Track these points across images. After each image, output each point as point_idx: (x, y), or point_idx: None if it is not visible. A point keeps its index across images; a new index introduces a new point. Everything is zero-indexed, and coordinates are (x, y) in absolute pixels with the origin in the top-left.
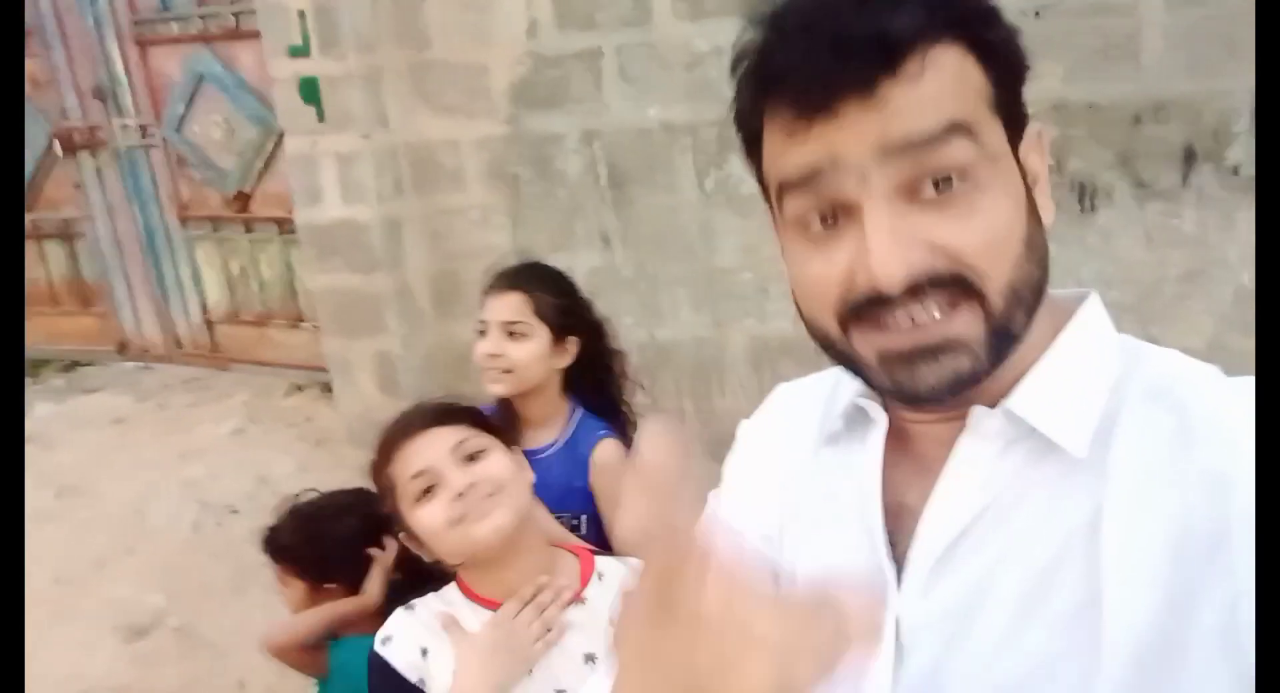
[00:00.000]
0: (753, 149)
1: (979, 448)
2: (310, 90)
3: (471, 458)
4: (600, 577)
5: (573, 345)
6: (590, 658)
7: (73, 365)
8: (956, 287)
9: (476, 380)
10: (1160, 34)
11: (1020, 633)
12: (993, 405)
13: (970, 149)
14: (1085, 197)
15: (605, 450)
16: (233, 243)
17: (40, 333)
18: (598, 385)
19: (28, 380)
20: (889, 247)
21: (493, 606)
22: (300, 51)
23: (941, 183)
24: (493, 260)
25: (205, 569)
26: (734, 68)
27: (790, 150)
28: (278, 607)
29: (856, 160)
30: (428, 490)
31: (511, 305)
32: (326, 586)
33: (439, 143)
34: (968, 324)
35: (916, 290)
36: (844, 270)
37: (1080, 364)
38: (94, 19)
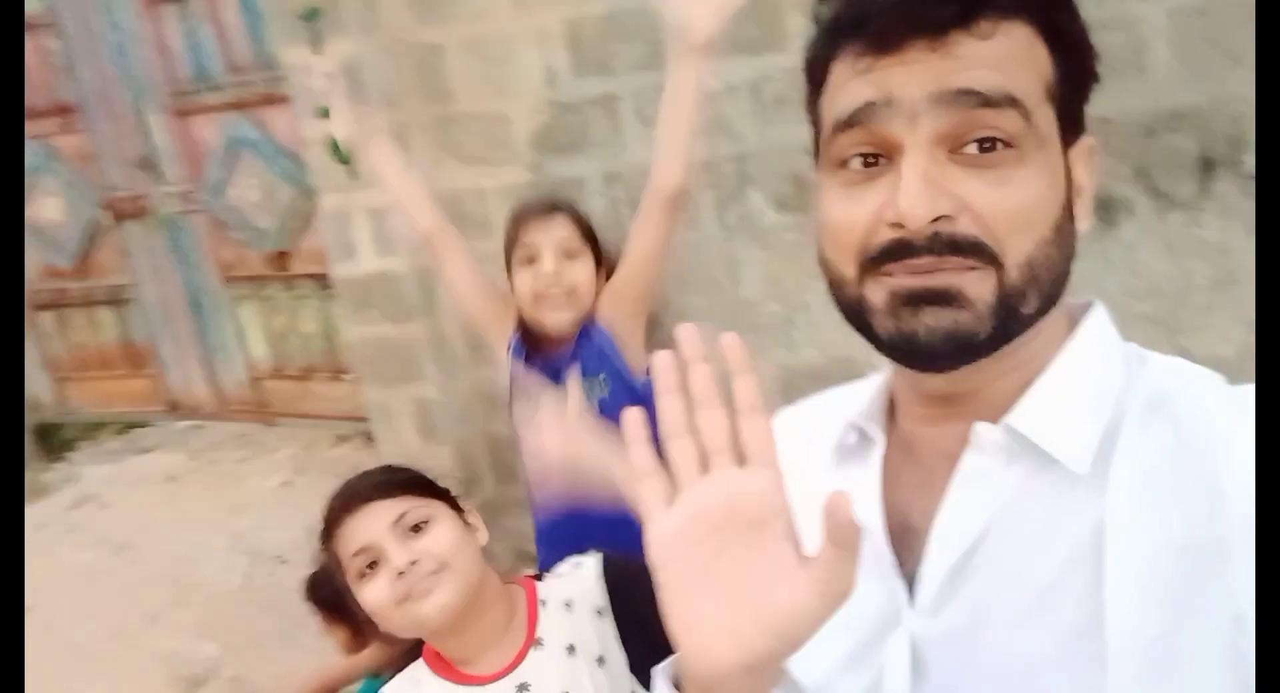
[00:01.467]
0: (814, 99)
1: (982, 463)
2: (338, 149)
3: (416, 529)
4: (544, 604)
5: (603, 273)
6: None
7: (127, 427)
8: (974, 254)
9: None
10: (1166, 45)
11: (1028, 648)
12: (996, 419)
13: (1018, 123)
14: (1105, 211)
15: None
16: (274, 300)
17: (94, 396)
18: None
19: (83, 443)
20: (920, 185)
21: (463, 680)
22: (329, 112)
23: (984, 145)
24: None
25: (257, 619)
26: (814, 12)
27: (850, 86)
28: (329, 653)
29: (910, 100)
30: (371, 566)
31: (564, 225)
32: (369, 630)
33: (465, 192)
34: (978, 284)
35: (935, 246)
36: (872, 213)
37: (1085, 378)
38: (134, 92)
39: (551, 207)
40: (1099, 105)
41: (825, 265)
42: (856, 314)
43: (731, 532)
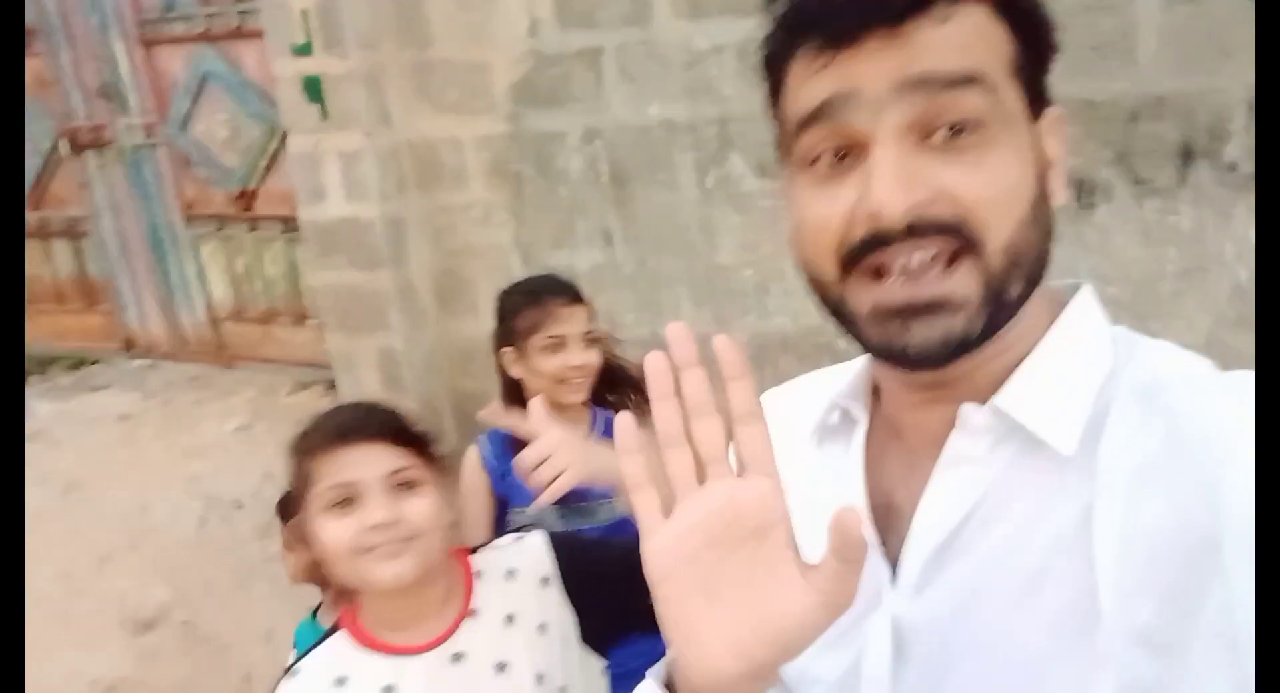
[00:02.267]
0: (775, 95)
1: (968, 445)
2: (313, 89)
3: (401, 489)
4: (480, 575)
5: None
6: (501, 667)
7: (79, 363)
8: (956, 236)
9: (478, 377)
10: (1155, 32)
11: (1015, 632)
12: (983, 402)
13: (985, 102)
14: (1083, 193)
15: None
16: (237, 241)
17: (46, 331)
18: (613, 391)
19: (34, 378)
20: (893, 180)
21: (393, 650)
22: (303, 50)
23: (954, 130)
24: (496, 259)
25: (210, 564)
26: (766, 12)
27: (811, 83)
28: (282, 601)
29: (873, 93)
30: (343, 504)
31: (585, 317)
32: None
33: (441, 141)
34: (964, 282)
35: (915, 232)
36: (846, 209)
37: (1072, 359)
38: (100, 19)
39: (576, 296)
40: (1084, 87)
41: (804, 266)
42: (839, 316)
43: (731, 542)
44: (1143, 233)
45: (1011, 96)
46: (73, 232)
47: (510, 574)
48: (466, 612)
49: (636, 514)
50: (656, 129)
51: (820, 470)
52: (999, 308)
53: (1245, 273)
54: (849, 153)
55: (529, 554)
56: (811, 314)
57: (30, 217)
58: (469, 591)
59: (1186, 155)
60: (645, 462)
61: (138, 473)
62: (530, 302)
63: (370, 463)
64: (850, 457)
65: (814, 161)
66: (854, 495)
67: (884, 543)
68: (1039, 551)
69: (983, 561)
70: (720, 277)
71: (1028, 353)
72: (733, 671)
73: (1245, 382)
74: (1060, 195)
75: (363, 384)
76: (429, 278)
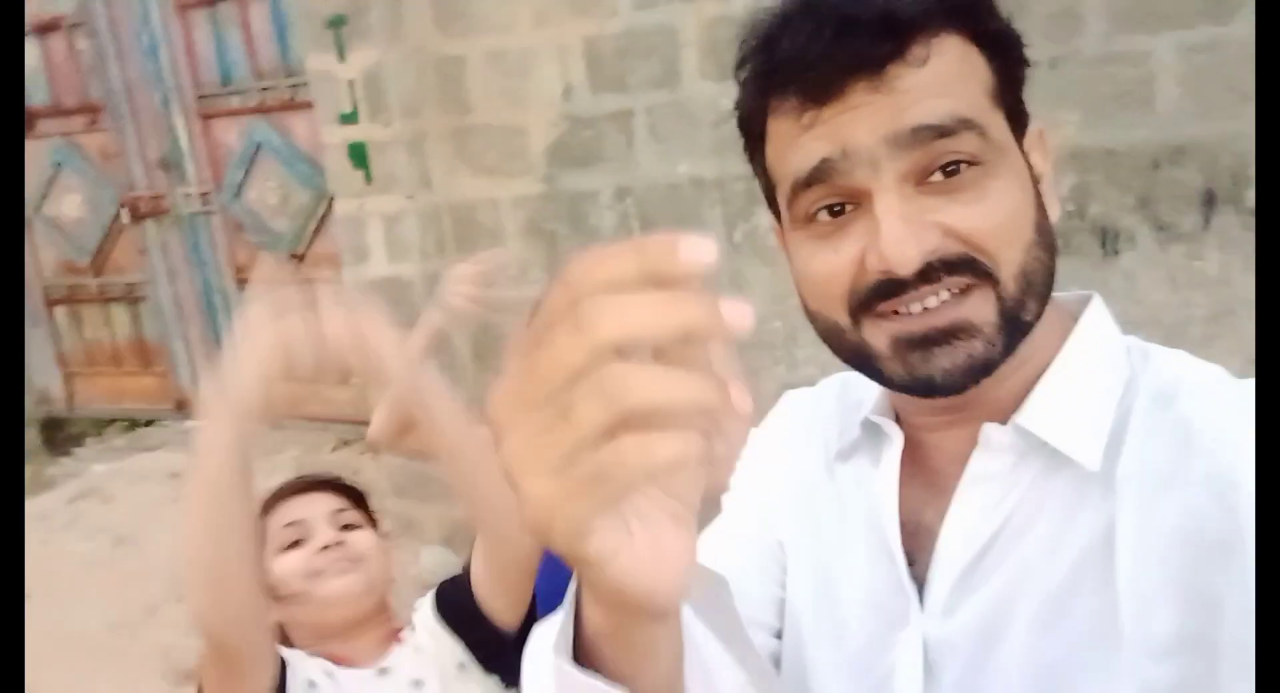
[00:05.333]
0: (756, 150)
1: (992, 464)
2: (359, 154)
3: (345, 528)
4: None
5: None
6: (418, 683)
7: (133, 424)
8: (968, 270)
9: None
10: (1173, 80)
11: (1044, 649)
12: (1003, 420)
13: (978, 142)
14: (1107, 241)
15: None
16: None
17: (103, 392)
18: None
19: (89, 439)
20: (901, 229)
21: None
22: (350, 119)
23: (949, 168)
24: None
25: None
26: (737, 69)
27: (799, 144)
28: None
29: (868, 149)
30: (295, 544)
31: None
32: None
33: (479, 202)
34: (979, 308)
35: (929, 274)
36: (853, 259)
37: (1089, 373)
38: (162, 94)
39: None
40: (1106, 137)
41: (815, 318)
42: (860, 358)
43: None
44: (1169, 279)
45: (998, 125)
46: (131, 296)
47: (418, 685)
48: (396, 639)
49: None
50: (686, 186)
51: (848, 484)
52: (1016, 329)
53: None
54: (846, 206)
55: (433, 650)
56: (837, 363)
57: (91, 282)
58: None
59: (1209, 201)
60: None
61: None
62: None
63: (314, 505)
64: (883, 474)
65: (812, 218)
66: (886, 515)
67: (912, 563)
68: (1065, 566)
69: (1010, 579)
70: (752, 328)
71: (1044, 368)
72: (689, 548)
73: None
74: (1054, 209)
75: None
76: (467, 335)
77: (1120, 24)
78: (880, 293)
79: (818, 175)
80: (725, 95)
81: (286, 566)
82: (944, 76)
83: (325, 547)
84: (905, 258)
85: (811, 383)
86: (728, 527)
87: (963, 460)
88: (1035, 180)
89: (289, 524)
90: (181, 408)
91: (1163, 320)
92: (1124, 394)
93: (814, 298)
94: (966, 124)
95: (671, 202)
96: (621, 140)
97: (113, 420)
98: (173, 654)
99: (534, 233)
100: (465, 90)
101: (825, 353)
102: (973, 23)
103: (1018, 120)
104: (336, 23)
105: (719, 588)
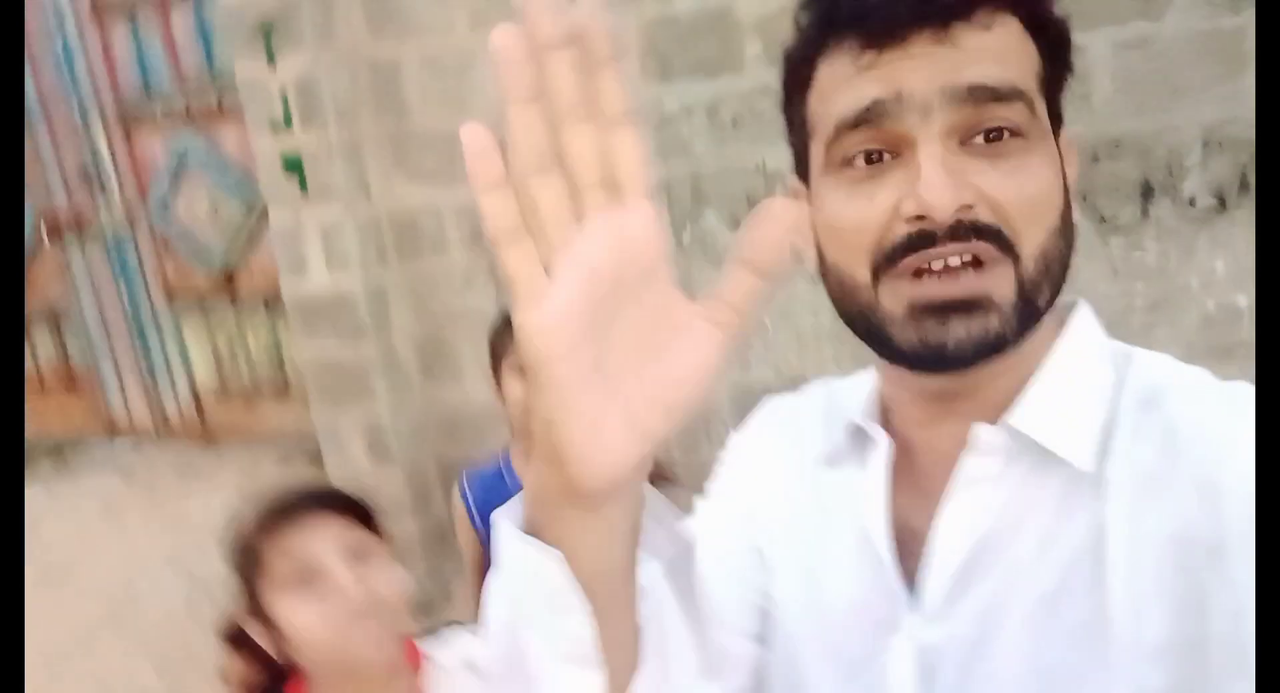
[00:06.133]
0: (797, 95)
1: (982, 465)
2: (293, 163)
3: (359, 560)
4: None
5: None
6: None
7: (60, 450)
8: (994, 241)
9: (465, 444)
10: (1108, 76)
11: (1037, 653)
12: (992, 421)
13: (1026, 114)
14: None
15: None
16: (219, 319)
17: (28, 418)
18: None
19: None
20: (943, 176)
21: None
22: (282, 126)
23: (993, 135)
24: (478, 323)
25: (196, 645)
26: (799, 12)
27: (853, 83)
28: None
29: (922, 96)
30: (302, 581)
31: None
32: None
33: (421, 210)
34: (999, 283)
35: (956, 235)
36: (886, 209)
37: (1078, 375)
38: (79, 102)
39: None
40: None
41: (831, 271)
42: (866, 322)
43: (623, 294)
44: (1110, 270)
45: (1042, 108)
46: (53, 318)
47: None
48: None
49: (509, 275)
50: None
51: (833, 489)
52: (1029, 313)
53: (1212, 303)
54: (885, 154)
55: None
56: (793, 366)
57: None
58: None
59: (1147, 193)
60: (506, 186)
61: (121, 554)
62: (507, 324)
63: (323, 535)
64: (870, 479)
65: (849, 162)
66: (875, 520)
67: (903, 566)
68: (1057, 568)
69: (1002, 581)
70: None
71: (1034, 369)
72: (633, 456)
73: (1242, 390)
74: (1074, 213)
75: (349, 456)
76: (413, 346)
77: None
78: (909, 246)
79: (867, 115)
80: (669, 96)
81: (304, 618)
82: (1004, 47)
83: (350, 601)
84: (942, 202)
85: (766, 386)
86: (701, 530)
87: (951, 462)
88: (1064, 176)
89: (294, 558)
90: (112, 431)
91: (1104, 311)
92: (1112, 397)
93: (836, 249)
94: (1019, 94)
95: None
96: None
97: (36, 447)
98: (108, 684)
99: (478, 241)
100: (402, 95)
101: (776, 354)
102: (1034, 12)
103: (1055, 118)
104: (265, 28)
105: (685, 548)
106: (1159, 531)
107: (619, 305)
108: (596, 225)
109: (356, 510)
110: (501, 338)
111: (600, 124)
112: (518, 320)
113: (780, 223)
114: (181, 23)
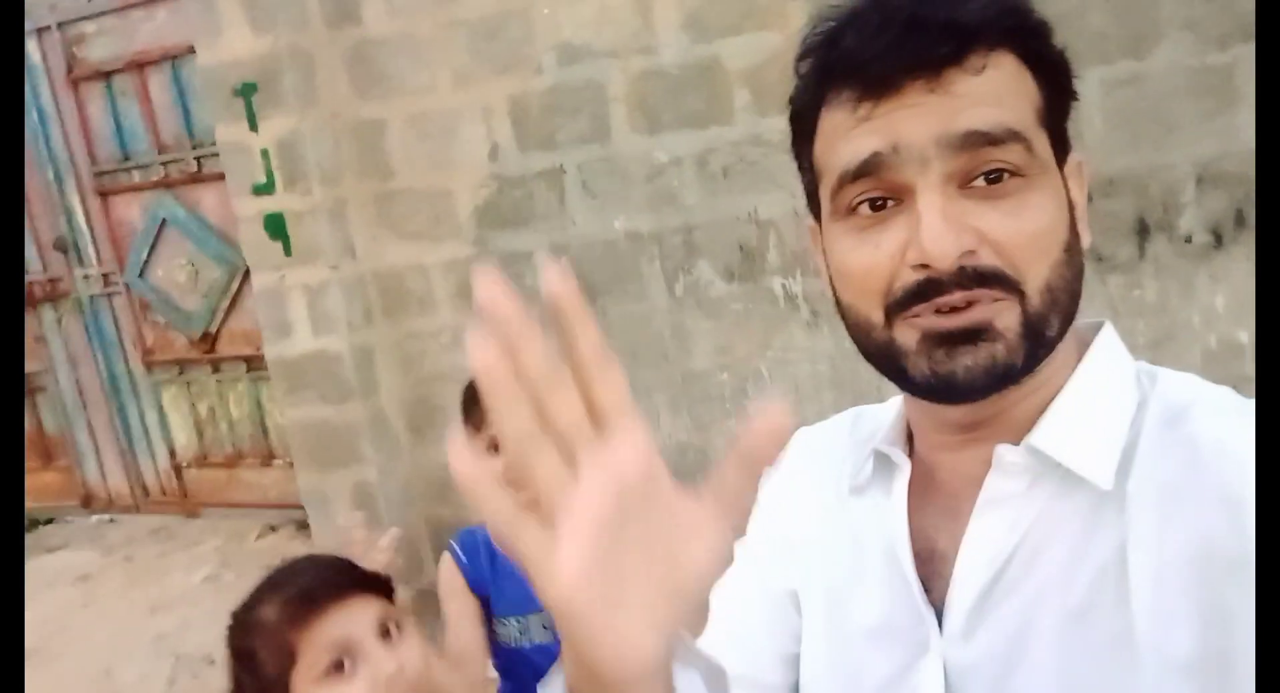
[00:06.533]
0: (804, 144)
1: (1006, 486)
2: (276, 226)
3: (387, 635)
4: None
5: None
6: None
7: (33, 524)
8: (1000, 286)
9: (455, 505)
10: (1099, 114)
11: (1065, 671)
12: (1016, 442)
13: (1024, 155)
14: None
15: None
16: (200, 385)
17: None
18: None
19: None
20: (942, 224)
21: None
22: (265, 189)
23: (992, 176)
24: (466, 381)
25: None
26: (798, 61)
27: (851, 136)
28: None
29: (919, 146)
30: (337, 667)
31: None
32: None
33: (407, 268)
34: (1003, 314)
35: (962, 281)
36: (893, 255)
37: (1101, 395)
38: (54, 171)
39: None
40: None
41: (848, 314)
42: (886, 357)
43: (627, 521)
44: (1110, 308)
45: (1043, 146)
46: (28, 388)
47: None
48: None
49: (522, 552)
50: (622, 242)
51: (862, 517)
52: (1038, 343)
53: (1214, 339)
54: (889, 201)
55: None
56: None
57: None
58: None
59: (1143, 231)
60: (501, 487)
61: (100, 634)
62: (473, 396)
63: (357, 619)
64: (892, 503)
65: (853, 210)
66: (898, 542)
67: (928, 589)
68: (1081, 587)
69: (1028, 601)
70: (696, 383)
71: (1057, 391)
72: (654, 647)
73: None
74: (1086, 237)
75: (337, 522)
76: (401, 407)
77: None
78: (917, 295)
79: (866, 168)
80: (658, 148)
81: None
82: (997, 89)
83: (386, 680)
84: (943, 251)
85: None
86: (738, 581)
87: (976, 484)
88: (1071, 206)
89: (331, 646)
90: (88, 503)
91: None
92: (1135, 416)
93: (849, 292)
94: (1014, 135)
95: (609, 258)
96: (553, 198)
97: None
98: None
99: (466, 298)
100: (386, 155)
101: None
102: (1029, 45)
103: (1060, 146)
104: (246, 91)
105: (718, 677)
106: (1183, 546)
107: (626, 528)
108: (591, 472)
109: (375, 584)
110: (469, 412)
111: (580, 373)
112: (532, 578)
113: (779, 426)
114: (159, 87)
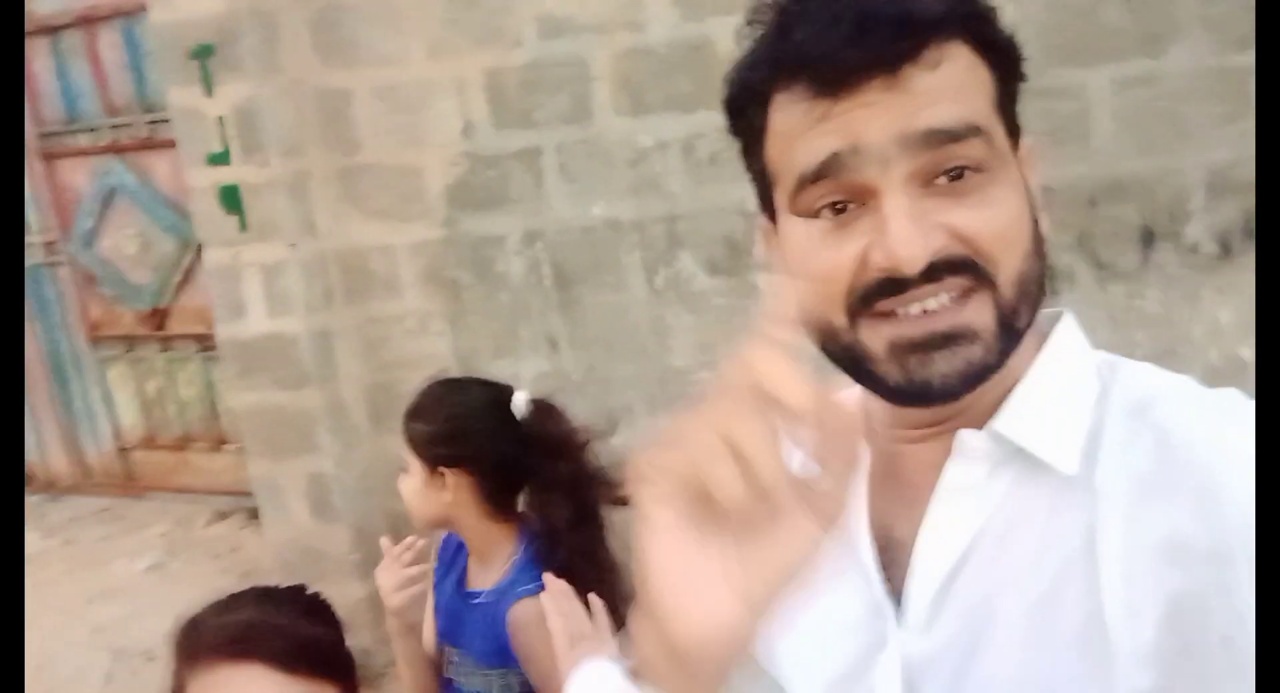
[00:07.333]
0: (752, 143)
1: (967, 472)
2: (232, 199)
3: None
4: None
5: (453, 478)
6: None
7: None
8: (969, 274)
9: None
10: (1109, 115)
11: (1029, 661)
12: (978, 428)
13: (985, 149)
14: (1047, 280)
15: (519, 612)
16: (148, 363)
17: None
18: (542, 514)
19: None
20: (910, 228)
21: None
22: (220, 159)
23: (954, 173)
24: (433, 370)
25: None
26: (741, 56)
27: (808, 137)
28: None
29: (879, 146)
30: None
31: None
32: None
33: (371, 249)
34: (979, 313)
35: (932, 274)
36: (857, 256)
37: (1062, 382)
38: None
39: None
40: (1043, 173)
41: (809, 320)
42: (850, 359)
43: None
44: (1110, 318)
45: (999, 133)
46: None
47: None
48: None
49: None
50: (601, 229)
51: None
52: (1011, 335)
53: (1216, 353)
54: (850, 203)
55: None
56: None
57: None
58: None
59: (1148, 238)
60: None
61: (36, 624)
62: (413, 415)
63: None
64: (851, 492)
65: (815, 213)
66: (857, 531)
67: (887, 578)
68: (1046, 575)
69: (990, 590)
70: (675, 380)
71: (1018, 379)
72: (737, 621)
73: (1231, 396)
74: (1045, 221)
75: (290, 512)
76: (361, 394)
77: (1053, 56)
78: (881, 291)
79: (826, 169)
80: (642, 132)
81: None
82: (954, 82)
83: None
84: (912, 256)
85: None
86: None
87: (936, 470)
88: (1029, 192)
89: None
90: (28, 482)
91: None
92: (1097, 404)
93: (810, 294)
94: (975, 130)
95: (586, 246)
96: (529, 180)
97: None
98: None
99: (434, 281)
100: (352, 127)
101: None
102: (980, 32)
103: (1013, 132)
104: (202, 53)
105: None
106: (1153, 535)
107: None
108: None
109: (329, 670)
110: (410, 429)
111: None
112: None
113: (847, 425)
114: (110, 46)
